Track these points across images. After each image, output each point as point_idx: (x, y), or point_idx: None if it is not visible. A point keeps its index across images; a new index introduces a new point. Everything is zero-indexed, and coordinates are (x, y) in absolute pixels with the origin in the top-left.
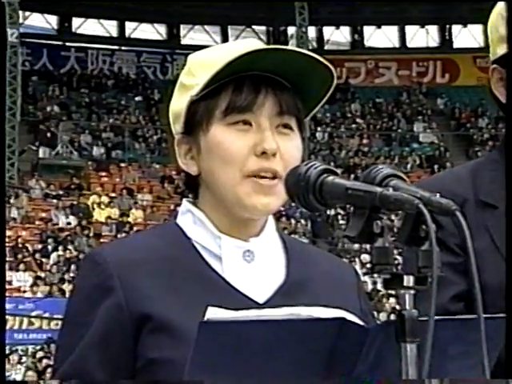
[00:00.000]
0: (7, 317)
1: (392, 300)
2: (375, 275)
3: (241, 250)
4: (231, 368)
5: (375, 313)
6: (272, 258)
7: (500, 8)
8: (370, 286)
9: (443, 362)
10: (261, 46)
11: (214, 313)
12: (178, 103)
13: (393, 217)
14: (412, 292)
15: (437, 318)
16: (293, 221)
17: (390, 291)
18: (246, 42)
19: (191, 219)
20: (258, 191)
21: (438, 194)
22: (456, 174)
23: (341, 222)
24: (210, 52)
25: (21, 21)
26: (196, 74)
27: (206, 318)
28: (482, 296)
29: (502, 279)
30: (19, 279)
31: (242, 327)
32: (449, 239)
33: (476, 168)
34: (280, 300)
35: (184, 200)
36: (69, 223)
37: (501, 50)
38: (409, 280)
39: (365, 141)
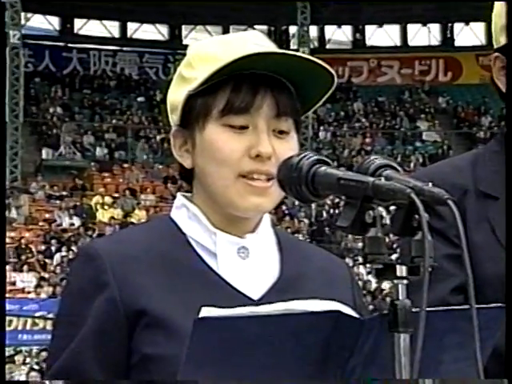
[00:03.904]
0: (11, 318)
1: None
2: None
3: (235, 247)
4: (226, 364)
5: (379, 311)
6: (266, 255)
7: None
8: (373, 285)
9: (438, 353)
10: (262, 44)
11: (207, 311)
12: (176, 95)
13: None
14: (405, 282)
15: (430, 309)
16: (296, 220)
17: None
18: (248, 36)
19: (186, 214)
20: (251, 192)
21: (430, 184)
22: (456, 164)
23: None
24: (211, 45)
25: (23, 22)
26: (195, 66)
27: (200, 315)
28: (483, 287)
29: (503, 270)
30: (23, 280)
31: (237, 323)
32: (449, 231)
33: (476, 159)
34: (274, 296)
35: (178, 194)
36: (72, 224)
37: (504, 38)
38: (402, 270)
39: (368, 140)
